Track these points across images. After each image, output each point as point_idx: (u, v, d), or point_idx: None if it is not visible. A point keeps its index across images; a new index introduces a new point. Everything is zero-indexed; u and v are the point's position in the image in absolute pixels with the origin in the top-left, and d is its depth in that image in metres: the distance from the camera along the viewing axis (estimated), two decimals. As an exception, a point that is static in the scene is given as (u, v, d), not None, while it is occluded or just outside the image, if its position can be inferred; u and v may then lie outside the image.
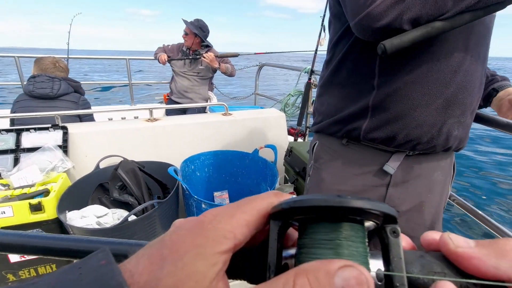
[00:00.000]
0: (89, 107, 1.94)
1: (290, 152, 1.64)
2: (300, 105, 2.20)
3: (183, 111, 2.87)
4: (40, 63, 1.81)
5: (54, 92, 1.70)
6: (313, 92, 2.22)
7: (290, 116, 2.28)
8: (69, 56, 2.97)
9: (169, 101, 3.16)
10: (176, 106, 2.57)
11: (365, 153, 0.76)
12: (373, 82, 0.70)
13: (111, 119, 2.81)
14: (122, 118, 2.84)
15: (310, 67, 2.08)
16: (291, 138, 2.18)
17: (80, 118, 1.88)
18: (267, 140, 1.72)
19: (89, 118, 1.93)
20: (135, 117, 2.94)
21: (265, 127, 1.76)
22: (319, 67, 2.21)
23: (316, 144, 0.87)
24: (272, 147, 1.45)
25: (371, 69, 0.70)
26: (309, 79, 2.12)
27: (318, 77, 2.25)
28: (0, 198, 1.07)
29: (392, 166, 0.74)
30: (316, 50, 2.17)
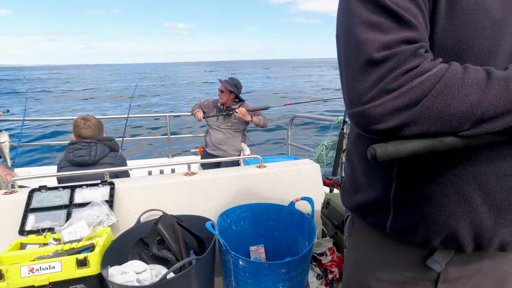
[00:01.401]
0: (125, 163, 2.00)
1: (327, 204, 1.59)
2: (334, 155, 2.19)
3: (217, 164, 2.96)
4: (74, 126, 1.88)
5: (92, 159, 1.77)
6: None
7: (325, 167, 2.26)
8: (129, 115, 3.35)
9: (204, 153, 3.30)
10: (213, 160, 2.67)
11: (401, 244, 0.62)
12: (392, 172, 0.57)
13: (151, 172, 2.98)
14: (161, 171, 3.00)
15: (342, 118, 2.11)
16: (327, 189, 2.13)
17: (118, 176, 1.91)
18: (303, 191, 1.70)
19: (125, 173, 2.00)
20: (172, 170, 3.09)
21: (300, 179, 1.75)
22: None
23: (349, 217, 0.76)
24: (309, 200, 1.42)
25: None
26: (342, 129, 2.14)
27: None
28: (52, 252, 1.14)
29: (438, 261, 0.59)
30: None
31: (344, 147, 2.15)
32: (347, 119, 2.08)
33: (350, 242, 0.76)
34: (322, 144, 2.29)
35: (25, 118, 3.05)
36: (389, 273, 0.65)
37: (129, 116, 3.35)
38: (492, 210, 0.52)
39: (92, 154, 1.78)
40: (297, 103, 3.66)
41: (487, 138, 0.46)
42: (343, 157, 2.09)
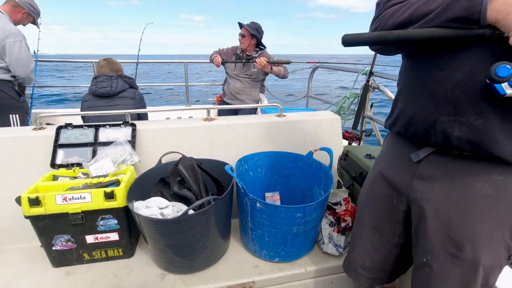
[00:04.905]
0: (143, 100, 2.15)
1: (345, 156, 1.58)
2: (356, 108, 2.11)
3: (235, 112, 2.94)
4: (98, 65, 2.09)
5: (113, 90, 1.93)
6: (371, 95, 2.12)
7: (345, 120, 2.20)
8: (139, 60, 3.30)
9: (222, 102, 3.27)
10: (231, 106, 2.65)
11: (402, 142, 0.87)
12: (398, 81, 0.86)
13: (169, 118, 3.01)
14: (178, 118, 3.03)
15: (369, 68, 1.99)
16: (345, 142, 2.11)
17: (139, 115, 2.10)
18: (321, 143, 1.68)
19: (145, 114, 2.16)
20: (189, 117, 3.11)
21: (320, 130, 1.72)
22: (377, 68, 2.10)
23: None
24: (328, 150, 1.41)
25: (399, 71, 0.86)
26: (367, 81, 2.03)
27: (376, 79, 2.14)
28: (82, 185, 1.21)
29: (419, 153, 0.79)
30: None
31: (368, 100, 2.06)
32: (374, 69, 1.96)
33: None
34: (345, 96, 2.20)
35: (38, 60, 3.02)
36: (384, 166, 0.92)
37: (138, 61, 3.32)
38: (431, 97, 0.71)
39: (113, 85, 1.92)
40: (321, 62, 3.46)
41: (422, 32, 0.63)
42: (365, 111, 2.02)
